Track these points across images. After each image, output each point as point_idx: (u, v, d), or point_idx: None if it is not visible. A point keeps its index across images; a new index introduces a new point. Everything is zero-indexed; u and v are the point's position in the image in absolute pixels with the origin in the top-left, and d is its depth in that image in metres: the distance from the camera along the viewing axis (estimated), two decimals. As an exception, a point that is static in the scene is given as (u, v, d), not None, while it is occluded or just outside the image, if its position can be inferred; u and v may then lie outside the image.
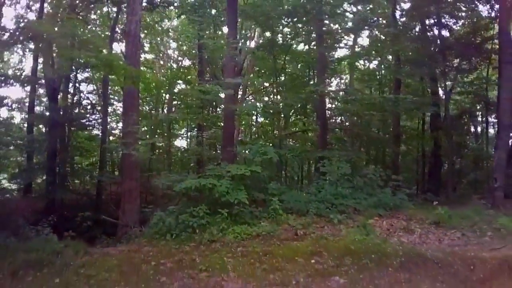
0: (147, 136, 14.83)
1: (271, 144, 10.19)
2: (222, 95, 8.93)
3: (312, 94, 9.48)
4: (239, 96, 15.27)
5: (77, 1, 14.80)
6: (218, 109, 14.02)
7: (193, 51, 19.02)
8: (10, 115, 18.75)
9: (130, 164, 9.95)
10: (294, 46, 14.73)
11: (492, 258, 4.61)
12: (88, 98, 19.08)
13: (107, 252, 5.66)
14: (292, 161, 10.17)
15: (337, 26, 15.80)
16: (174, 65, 22.56)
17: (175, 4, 15.81)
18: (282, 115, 14.40)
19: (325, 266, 4.44)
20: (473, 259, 4.53)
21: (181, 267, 4.67)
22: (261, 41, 15.38)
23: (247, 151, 8.24)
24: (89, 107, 18.34)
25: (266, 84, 17.10)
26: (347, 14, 21.93)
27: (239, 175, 6.47)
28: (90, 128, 17.72)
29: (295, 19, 11.36)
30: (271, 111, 12.03)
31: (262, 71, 16.22)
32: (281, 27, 12.17)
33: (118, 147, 17.77)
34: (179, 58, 23.37)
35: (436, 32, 15.68)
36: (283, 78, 15.33)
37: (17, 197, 14.88)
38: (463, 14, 15.18)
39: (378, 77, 17.19)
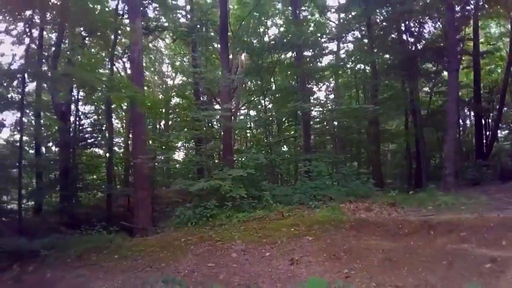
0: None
1: (263, 151, 12.76)
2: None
3: (295, 108, 12.15)
4: (233, 109, 17.93)
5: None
6: (215, 124, 16.58)
7: (186, 65, 21.83)
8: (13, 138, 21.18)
9: (142, 176, 12.48)
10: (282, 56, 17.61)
11: (417, 221, 7.12)
12: (87, 117, 21.72)
13: (145, 239, 8.17)
14: (280, 163, 12.68)
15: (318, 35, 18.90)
16: (170, 82, 25.31)
17: (169, 30, 18.55)
18: (276, 124, 16.94)
19: (300, 231, 6.97)
20: (402, 222, 7.06)
21: (202, 240, 7.17)
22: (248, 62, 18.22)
23: (243, 158, 10.79)
24: (93, 127, 20.88)
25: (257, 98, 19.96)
26: (330, 22, 25.06)
27: (238, 177, 9.01)
28: (95, 146, 20.27)
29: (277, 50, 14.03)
30: (262, 121, 14.63)
31: (252, 88, 19.02)
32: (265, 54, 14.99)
33: (126, 162, 20.38)
34: (173, 75, 26.12)
35: (409, 38, 18.65)
36: (273, 88, 18.09)
37: (29, 216, 17.08)
38: (430, 22, 18.13)
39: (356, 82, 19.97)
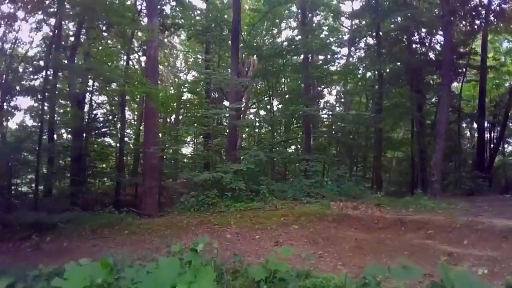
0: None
1: (267, 150, 13.89)
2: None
3: (296, 111, 13.29)
4: (242, 108, 19.18)
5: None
6: (224, 121, 17.79)
7: (199, 62, 23.19)
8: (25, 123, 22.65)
9: (151, 167, 13.78)
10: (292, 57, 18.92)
11: (392, 218, 8.20)
12: (100, 107, 23.17)
13: (152, 219, 9.42)
14: (280, 161, 13.81)
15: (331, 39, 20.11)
16: (182, 76, 26.67)
17: (185, 28, 19.80)
18: (283, 125, 18.17)
19: (288, 221, 8.10)
20: (379, 218, 8.15)
21: (202, 224, 8.37)
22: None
23: (245, 155, 11.98)
24: (105, 117, 22.30)
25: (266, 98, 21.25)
26: (343, 28, 26.20)
27: (239, 170, 10.17)
28: (107, 135, 21.65)
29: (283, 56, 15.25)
30: (267, 122, 15.80)
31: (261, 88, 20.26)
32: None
33: (135, 152, 21.76)
34: (186, 70, 27.46)
35: (419, 48, 19.61)
36: (282, 89, 19.28)
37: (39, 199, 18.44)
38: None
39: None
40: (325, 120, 17.38)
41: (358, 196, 11.17)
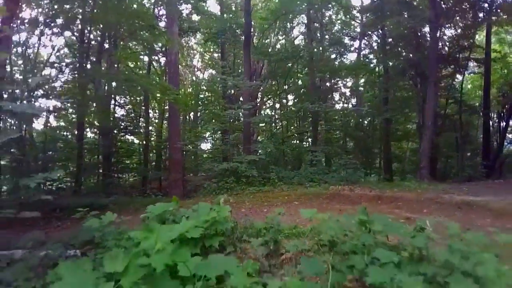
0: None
1: (278, 143, 16.66)
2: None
3: (302, 107, 16.01)
4: (257, 105, 22.04)
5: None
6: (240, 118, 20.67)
7: (216, 59, 26.15)
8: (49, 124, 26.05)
9: (175, 161, 16.75)
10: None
11: (373, 195, 10.83)
12: (123, 107, 26.36)
13: (182, 201, 12.33)
14: (289, 153, 16.52)
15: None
16: (200, 74, 29.72)
17: (201, 32, 22.75)
18: (298, 119, 20.98)
19: (291, 198, 10.85)
20: (363, 195, 10.80)
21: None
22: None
23: (258, 148, 14.78)
24: (129, 116, 25.49)
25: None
26: (353, 22, 28.69)
27: (252, 160, 12.97)
28: (131, 133, 24.84)
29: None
30: (279, 117, 18.60)
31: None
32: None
33: (158, 149, 24.84)
34: (202, 69, 30.48)
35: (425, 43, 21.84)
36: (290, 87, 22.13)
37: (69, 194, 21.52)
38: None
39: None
40: (331, 114, 20.03)
41: (356, 182, 13.78)
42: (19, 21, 16.64)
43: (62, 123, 25.86)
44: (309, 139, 23.33)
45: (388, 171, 20.64)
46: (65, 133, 25.58)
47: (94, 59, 20.40)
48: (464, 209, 8.76)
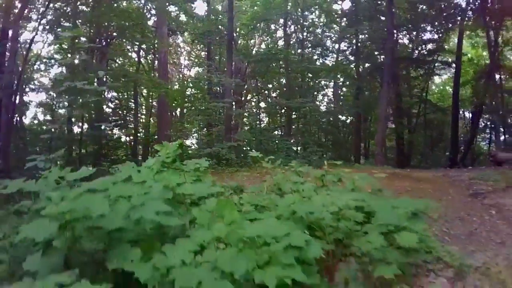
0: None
1: (256, 133, 20.08)
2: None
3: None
4: (242, 101, 25.55)
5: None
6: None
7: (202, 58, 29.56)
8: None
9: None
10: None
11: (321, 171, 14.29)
12: (111, 102, 29.48)
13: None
14: (265, 142, 19.90)
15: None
16: (186, 72, 33.07)
17: (188, 32, 26.09)
18: (280, 116, 24.63)
19: (258, 176, 14.24)
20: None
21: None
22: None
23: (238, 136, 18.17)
24: (117, 110, 28.64)
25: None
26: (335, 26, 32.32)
27: (232, 146, 16.30)
28: (120, 126, 27.96)
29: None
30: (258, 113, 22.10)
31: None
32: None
33: (146, 142, 27.99)
34: (189, 66, 33.86)
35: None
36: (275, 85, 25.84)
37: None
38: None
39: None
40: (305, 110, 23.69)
41: (317, 165, 17.17)
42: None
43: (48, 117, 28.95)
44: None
45: (358, 161, 24.21)
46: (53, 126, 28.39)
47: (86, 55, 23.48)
48: (390, 177, 12.20)
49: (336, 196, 4.96)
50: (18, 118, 25.74)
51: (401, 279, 4.94)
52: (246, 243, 3.39)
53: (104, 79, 24.48)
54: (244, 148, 16.87)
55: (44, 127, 26.04)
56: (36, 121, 30.21)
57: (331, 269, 4.49)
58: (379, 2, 23.11)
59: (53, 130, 25.60)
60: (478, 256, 5.86)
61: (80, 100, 13.65)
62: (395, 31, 24.67)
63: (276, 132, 23.82)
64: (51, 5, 20.88)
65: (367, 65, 25.52)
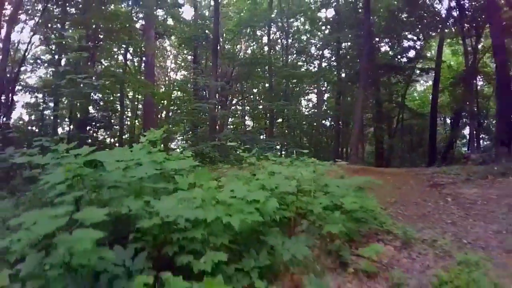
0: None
1: (239, 134, 21.08)
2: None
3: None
4: (226, 103, 26.61)
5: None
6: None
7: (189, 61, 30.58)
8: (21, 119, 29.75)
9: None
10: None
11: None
12: (97, 103, 30.18)
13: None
14: (248, 142, 20.91)
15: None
16: (173, 75, 34.02)
17: (176, 35, 27.08)
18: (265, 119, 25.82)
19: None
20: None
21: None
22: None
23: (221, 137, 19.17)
24: (103, 111, 29.34)
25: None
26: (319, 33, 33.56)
27: (215, 145, 17.26)
28: (106, 127, 28.67)
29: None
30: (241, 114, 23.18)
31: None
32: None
33: (132, 142, 28.72)
34: (175, 69, 34.81)
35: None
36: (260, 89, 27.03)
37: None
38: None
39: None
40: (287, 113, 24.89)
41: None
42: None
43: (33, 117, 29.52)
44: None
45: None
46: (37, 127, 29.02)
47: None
48: (360, 172, 13.28)
49: (297, 171, 5.99)
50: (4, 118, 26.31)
51: (353, 245, 5.98)
52: (218, 202, 4.36)
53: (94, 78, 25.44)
54: (228, 145, 17.79)
55: (29, 128, 26.58)
56: (21, 122, 30.70)
57: (292, 231, 5.49)
58: (359, 11, 24.39)
59: (37, 130, 26.49)
60: (426, 232, 6.89)
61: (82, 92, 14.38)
62: (376, 39, 26.15)
63: (261, 137, 24.95)
64: (40, 6, 21.60)
65: (348, 71, 26.82)
